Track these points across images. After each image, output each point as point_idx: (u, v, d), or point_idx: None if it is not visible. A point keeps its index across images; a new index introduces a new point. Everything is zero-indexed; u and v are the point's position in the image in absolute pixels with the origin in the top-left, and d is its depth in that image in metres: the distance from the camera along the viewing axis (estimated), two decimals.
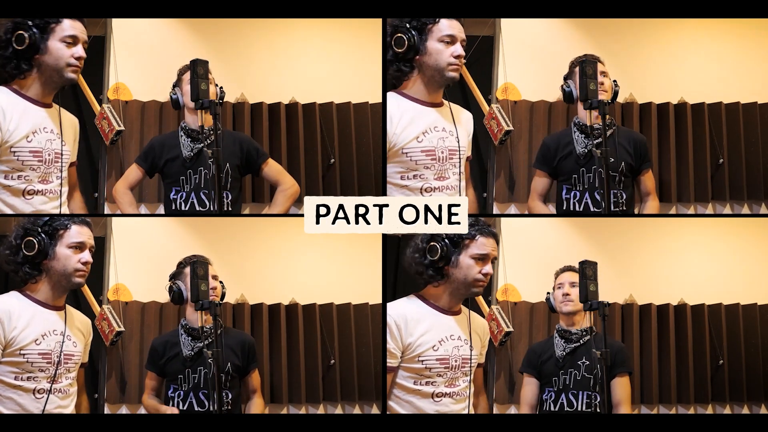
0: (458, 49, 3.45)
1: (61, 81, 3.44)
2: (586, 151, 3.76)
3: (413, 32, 3.44)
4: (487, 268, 3.39)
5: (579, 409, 3.72)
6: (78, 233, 3.41)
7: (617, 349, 3.78)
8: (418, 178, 3.46)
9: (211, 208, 3.74)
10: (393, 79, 3.50)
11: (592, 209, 3.76)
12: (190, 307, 3.76)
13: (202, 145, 3.74)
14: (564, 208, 3.81)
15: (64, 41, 3.40)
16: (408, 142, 3.44)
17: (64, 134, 3.49)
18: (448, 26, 3.45)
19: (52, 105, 3.50)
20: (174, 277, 3.78)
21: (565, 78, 3.80)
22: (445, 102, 3.55)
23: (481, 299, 4.35)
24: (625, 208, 3.74)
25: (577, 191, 3.78)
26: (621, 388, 3.75)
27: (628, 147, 3.81)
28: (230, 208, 3.72)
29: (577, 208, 3.78)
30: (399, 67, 3.47)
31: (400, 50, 3.45)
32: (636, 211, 3.93)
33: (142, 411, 3.95)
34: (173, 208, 3.79)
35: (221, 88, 3.71)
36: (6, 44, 3.40)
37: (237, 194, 3.83)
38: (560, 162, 3.82)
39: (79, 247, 3.40)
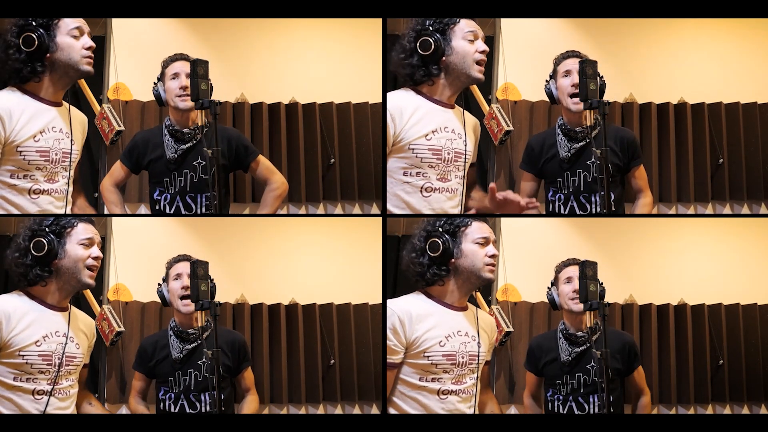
0: (481, 44, 3.45)
1: (77, 74, 3.42)
2: (570, 155, 3.74)
3: (437, 34, 3.42)
4: (492, 250, 3.37)
5: (591, 411, 3.69)
6: (85, 230, 3.39)
7: (630, 344, 3.77)
8: (421, 176, 3.44)
9: (198, 211, 3.70)
10: (414, 82, 3.47)
11: (577, 212, 3.74)
12: (176, 308, 3.73)
13: (187, 146, 3.69)
14: (550, 209, 3.79)
15: (72, 35, 3.39)
16: (416, 138, 3.42)
17: (73, 133, 3.48)
18: (466, 23, 3.45)
19: (63, 104, 3.48)
20: (164, 279, 3.77)
21: (550, 77, 3.78)
22: (458, 106, 3.53)
23: (481, 299, 4.35)
24: (614, 209, 3.72)
25: (562, 194, 3.76)
26: (641, 376, 3.80)
27: (615, 146, 3.76)
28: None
29: (562, 211, 3.76)
30: (428, 70, 3.44)
31: (426, 53, 3.42)
32: (632, 210, 3.92)
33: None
34: (157, 208, 3.74)
35: (209, 81, 3.62)
36: (16, 49, 3.37)
37: (224, 193, 3.74)
38: (545, 164, 3.79)
39: (89, 243, 3.38)
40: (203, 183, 3.66)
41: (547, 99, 4.30)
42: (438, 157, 3.44)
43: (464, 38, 3.42)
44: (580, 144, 3.71)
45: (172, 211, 3.72)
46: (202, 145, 3.61)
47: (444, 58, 3.42)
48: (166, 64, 3.72)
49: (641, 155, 3.84)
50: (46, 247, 3.32)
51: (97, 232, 3.43)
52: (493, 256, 3.37)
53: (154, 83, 3.73)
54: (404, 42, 3.46)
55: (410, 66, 3.44)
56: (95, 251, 3.38)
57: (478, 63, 3.44)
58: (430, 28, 3.43)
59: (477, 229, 3.38)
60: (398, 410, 3.37)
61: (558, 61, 3.75)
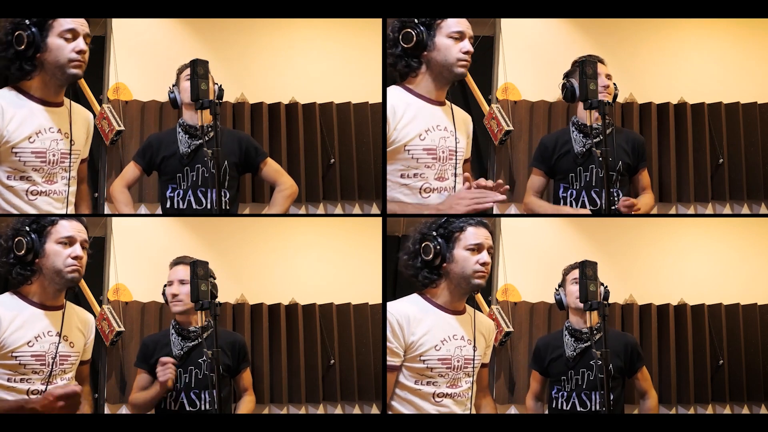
0: (467, 45, 3.41)
1: (65, 78, 3.37)
2: (584, 150, 3.76)
3: (421, 28, 3.42)
4: (484, 257, 3.36)
5: (593, 409, 3.70)
6: (66, 228, 3.34)
7: (632, 345, 3.78)
8: (419, 177, 3.43)
9: (208, 206, 3.73)
10: (400, 75, 3.47)
11: (588, 208, 3.75)
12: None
13: (199, 141, 3.72)
14: (561, 205, 3.80)
15: (63, 37, 3.34)
16: (411, 140, 3.40)
17: (75, 132, 3.44)
18: (456, 22, 3.41)
19: (63, 103, 3.44)
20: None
21: (567, 76, 3.79)
22: (447, 102, 3.52)
23: (481, 299, 4.35)
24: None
25: (574, 190, 3.78)
26: (645, 377, 3.81)
27: (626, 147, 3.81)
28: (228, 207, 3.70)
29: (573, 206, 3.77)
30: (408, 62, 3.44)
31: (408, 45, 3.42)
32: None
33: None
34: (169, 205, 3.77)
35: (220, 86, 3.68)
36: (7, 46, 3.35)
37: (235, 193, 3.80)
38: (557, 161, 3.81)
39: (69, 242, 3.34)
40: (214, 177, 3.68)
41: (546, 99, 4.32)
42: (433, 156, 3.43)
43: (449, 36, 3.41)
44: (594, 140, 3.73)
45: (184, 206, 3.74)
46: (212, 143, 3.62)
47: (425, 52, 3.42)
48: (180, 71, 3.79)
49: (646, 158, 3.87)
50: (26, 247, 3.30)
51: (83, 230, 3.37)
52: (484, 264, 3.35)
53: (170, 89, 3.76)
54: (389, 33, 3.46)
55: (393, 56, 3.44)
56: (75, 251, 3.33)
57: (459, 61, 3.41)
58: (416, 21, 3.42)
59: (471, 235, 3.37)
60: (395, 413, 3.38)
61: (577, 63, 3.74)
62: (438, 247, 3.35)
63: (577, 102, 3.77)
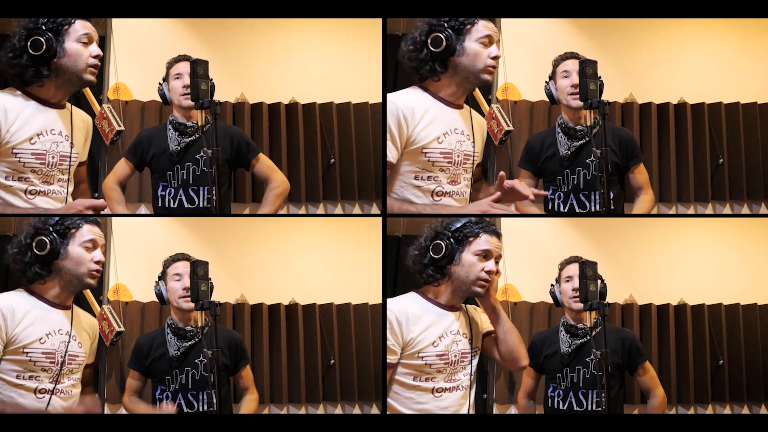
0: (495, 50, 3.38)
1: (80, 83, 3.36)
2: (570, 153, 3.75)
3: (450, 32, 3.39)
4: (490, 265, 3.35)
5: (589, 408, 3.70)
6: (90, 231, 3.37)
7: (630, 340, 3.78)
8: (432, 180, 3.41)
9: (200, 205, 3.72)
10: (420, 77, 3.44)
11: (577, 210, 3.74)
12: (174, 306, 3.74)
13: (190, 139, 3.72)
14: (549, 208, 3.79)
15: (80, 41, 3.35)
16: (430, 142, 3.39)
17: (75, 135, 3.45)
18: (484, 26, 3.38)
19: (65, 105, 3.44)
20: (160, 277, 3.77)
21: (549, 78, 3.79)
22: (466, 106, 3.50)
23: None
24: (612, 207, 3.72)
25: (562, 192, 3.77)
26: (649, 374, 3.81)
27: (614, 145, 3.77)
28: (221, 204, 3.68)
29: (561, 209, 3.76)
30: (433, 66, 3.41)
31: (437, 50, 3.39)
32: (632, 207, 3.92)
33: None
34: (160, 204, 3.76)
35: (211, 80, 3.63)
36: (21, 51, 3.33)
37: (226, 190, 3.76)
38: (544, 163, 3.80)
39: (92, 246, 3.37)
40: (205, 176, 3.67)
41: (546, 99, 4.32)
42: (449, 160, 3.41)
43: (478, 41, 3.38)
44: (580, 142, 3.72)
45: (175, 205, 3.74)
46: (204, 142, 3.62)
47: (453, 57, 3.38)
48: (170, 65, 3.77)
49: (640, 154, 3.85)
50: (48, 247, 3.31)
51: (102, 235, 3.41)
52: (489, 272, 3.35)
53: (160, 84, 3.76)
54: (416, 34, 3.42)
55: (418, 60, 3.40)
56: (97, 255, 3.36)
57: (488, 67, 3.39)
58: (445, 25, 3.39)
59: (483, 242, 3.36)
60: (393, 411, 3.38)
61: (557, 62, 3.77)
62: (449, 247, 3.35)
63: (559, 103, 3.77)
